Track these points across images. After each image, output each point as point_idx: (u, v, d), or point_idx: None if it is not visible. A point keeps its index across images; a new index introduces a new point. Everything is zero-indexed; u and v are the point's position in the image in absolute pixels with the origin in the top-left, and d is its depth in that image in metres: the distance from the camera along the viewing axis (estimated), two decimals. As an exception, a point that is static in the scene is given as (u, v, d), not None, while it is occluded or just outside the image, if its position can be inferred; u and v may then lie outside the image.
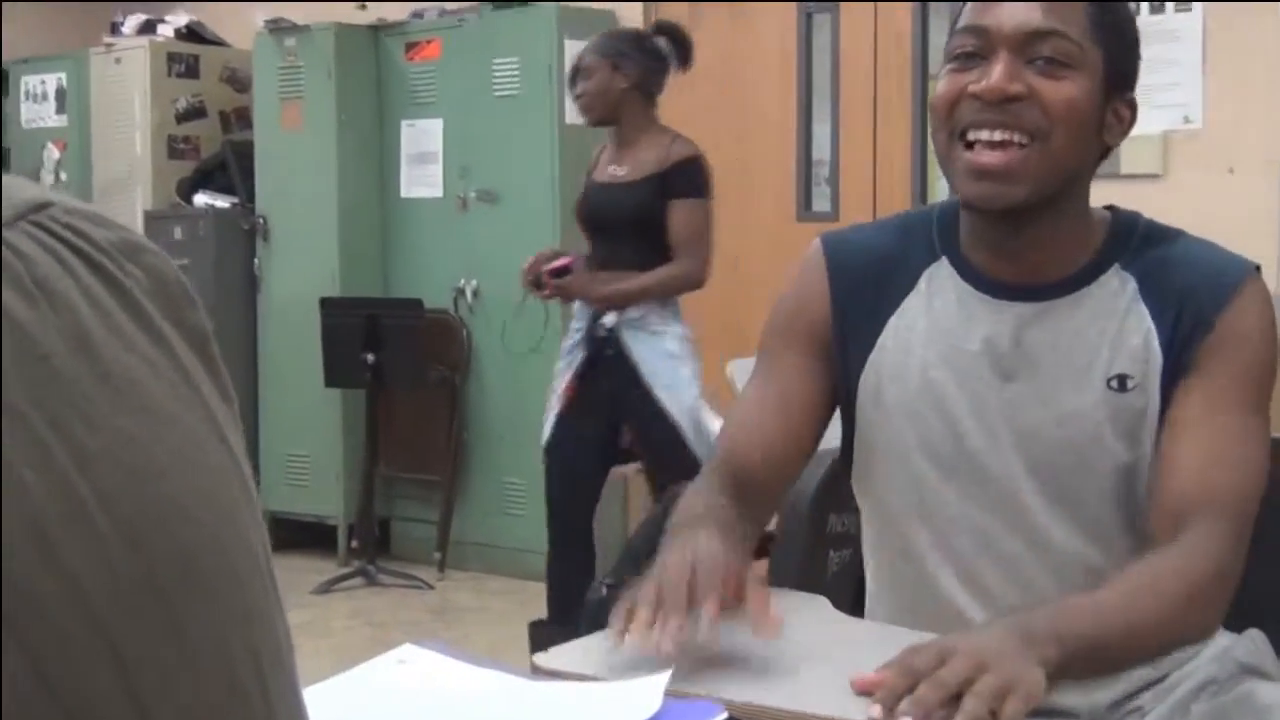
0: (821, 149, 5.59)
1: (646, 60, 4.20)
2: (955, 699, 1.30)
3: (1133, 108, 1.68)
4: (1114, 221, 1.72)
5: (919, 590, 1.73)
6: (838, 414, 1.81)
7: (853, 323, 1.73)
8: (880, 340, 1.72)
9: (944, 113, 1.63)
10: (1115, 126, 1.67)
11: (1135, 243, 1.69)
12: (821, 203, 5.61)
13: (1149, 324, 1.64)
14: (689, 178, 4.13)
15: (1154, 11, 4.63)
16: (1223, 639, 1.63)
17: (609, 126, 4.24)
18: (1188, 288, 1.63)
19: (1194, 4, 4.61)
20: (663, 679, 1.17)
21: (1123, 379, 1.64)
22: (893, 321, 1.72)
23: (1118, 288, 1.67)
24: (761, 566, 1.88)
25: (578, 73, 4.21)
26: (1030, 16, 1.59)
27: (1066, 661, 1.41)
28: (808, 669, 1.43)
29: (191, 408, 0.52)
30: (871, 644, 1.58)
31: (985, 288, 1.69)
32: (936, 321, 1.70)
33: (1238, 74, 4.59)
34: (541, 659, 1.40)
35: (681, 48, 4.26)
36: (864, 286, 1.73)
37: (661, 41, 4.26)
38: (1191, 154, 4.63)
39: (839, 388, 1.76)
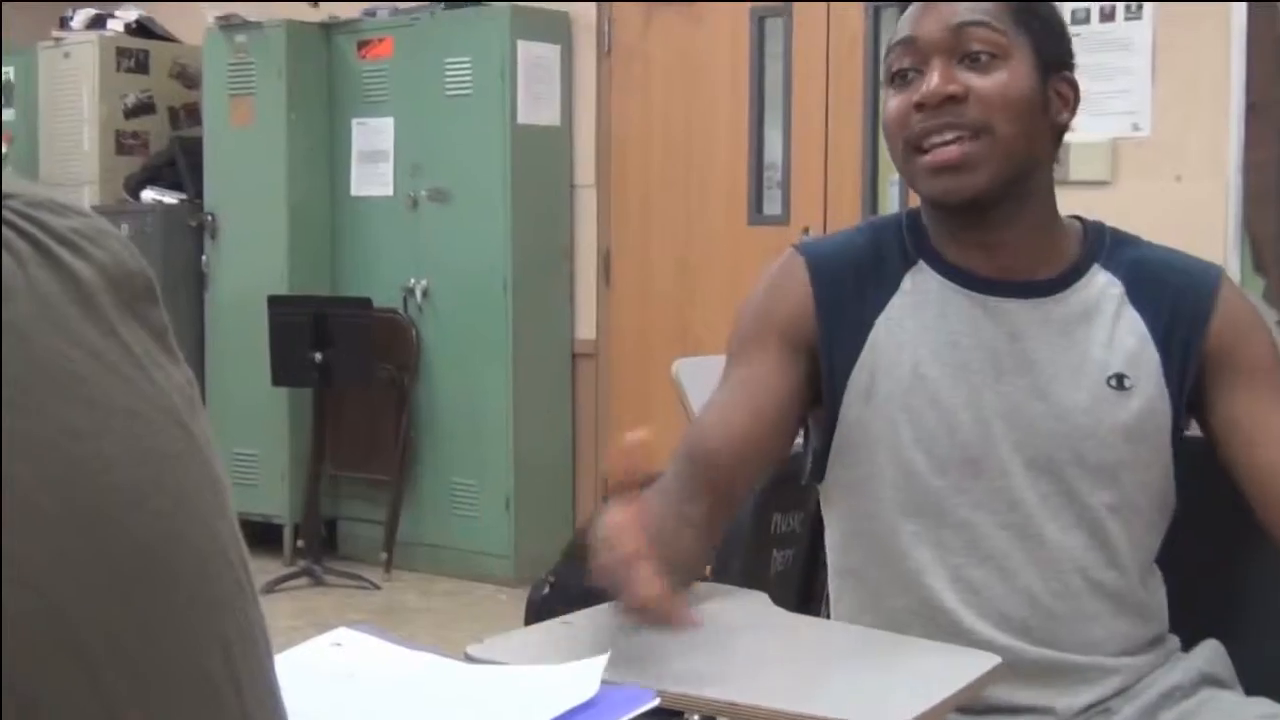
0: (773, 153, 5.59)
1: None
2: None
3: (1074, 86, 1.72)
4: (1084, 226, 1.77)
5: (896, 586, 1.71)
6: None
7: (839, 324, 1.72)
8: (870, 339, 1.71)
9: (895, 129, 1.68)
10: (1059, 105, 1.70)
11: (1109, 243, 1.74)
12: (773, 206, 5.61)
13: (1142, 327, 1.69)
14: None
15: (1104, 19, 4.66)
16: (1192, 653, 1.70)
17: None
18: (1174, 290, 1.70)
19: (1144, 10, 4.64)
20: (599, 663, 1.16)
21: (1120, 378, 1.67)
22: (880, 322, 1.71)
23: (1105, 286, 1.71)
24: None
25: None
26: (953, 12, 1.66)
27: None
28: (741, 660, 1.43)
29: (146, 398, 0.50)
30: (809, 637, 1.58)
31: (970, 284, 1.71)
32: (925, 321, 1.70)
33: (1185, 82, 4.62)
34: (475, 649, 1.39)
35: None
36: (846, 289, 1.73)
37: None
38: (1139, 161, 4.66)
39: (823, 390, 1.73)
